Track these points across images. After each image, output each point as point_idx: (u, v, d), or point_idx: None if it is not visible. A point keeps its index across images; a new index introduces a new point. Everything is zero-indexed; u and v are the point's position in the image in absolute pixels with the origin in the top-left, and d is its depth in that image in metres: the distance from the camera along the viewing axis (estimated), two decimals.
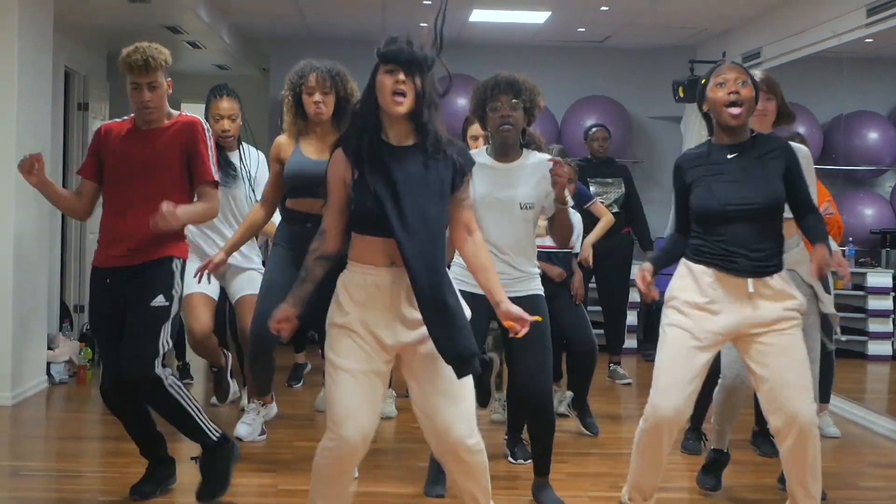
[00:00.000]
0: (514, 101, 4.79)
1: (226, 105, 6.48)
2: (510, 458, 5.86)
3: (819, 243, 4.32)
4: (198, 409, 4.85)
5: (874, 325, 10.32)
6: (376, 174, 3.65)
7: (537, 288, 4.90)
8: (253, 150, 6.68)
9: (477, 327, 4.19)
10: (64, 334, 8.44)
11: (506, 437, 5.98)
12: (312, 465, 3.77)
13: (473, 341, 3.68)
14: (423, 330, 3.65)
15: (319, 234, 3.77)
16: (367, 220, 3.66)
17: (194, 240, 6.13)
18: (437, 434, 3.75)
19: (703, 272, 4.34)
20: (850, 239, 11.02)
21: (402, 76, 3.68)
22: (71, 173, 9.51)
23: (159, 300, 4.75)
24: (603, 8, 9.88)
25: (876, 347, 10.30)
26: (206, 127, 5.00)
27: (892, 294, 10.44)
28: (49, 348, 7.97)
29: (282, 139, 5.66)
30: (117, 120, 5.11)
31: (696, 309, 4.32)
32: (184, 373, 8.15)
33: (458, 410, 3.73)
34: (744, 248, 4.28)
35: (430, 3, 9.96)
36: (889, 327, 10.41)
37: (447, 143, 3.76)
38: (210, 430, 4.86)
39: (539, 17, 10.51)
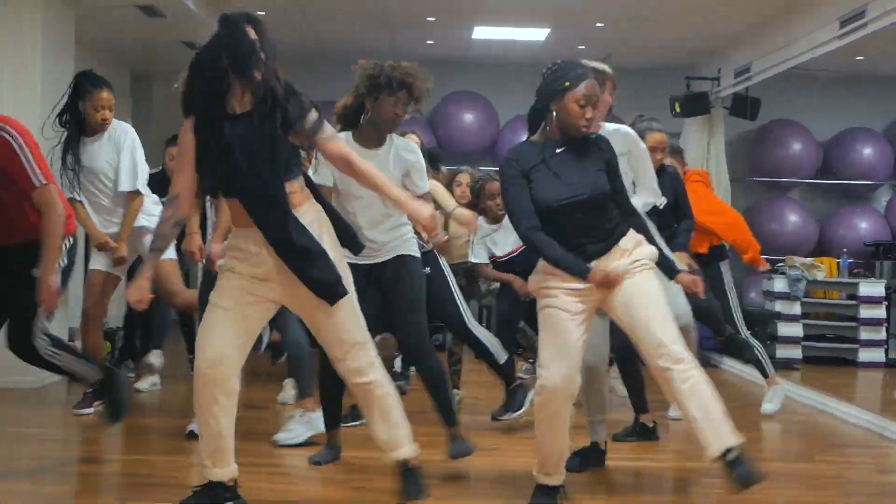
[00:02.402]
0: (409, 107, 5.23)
1: (106, 96, 6.83)
2: None
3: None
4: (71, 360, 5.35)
5: (865, 334, 10.62)
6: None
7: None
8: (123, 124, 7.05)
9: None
10: None
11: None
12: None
13: (333, 270, 4.15)
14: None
15: (171, 200, 4.22)
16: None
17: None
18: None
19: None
20: (845, 250, 11.36)
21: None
22: None
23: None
24: (598, 24, 10.29)
25: (867, 355, 10.61)
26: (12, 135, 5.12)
27: (885, 303, 10.73)
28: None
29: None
30: None
31: (561, 292, 4.50)
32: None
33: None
34: (586, 237, 4.51)
35: (433, 19, 10.37)
36: (881, 335, 10.70)
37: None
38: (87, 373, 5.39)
39: (539, 34, 10.92)
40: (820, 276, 10.78)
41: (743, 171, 12.44)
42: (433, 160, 9.33)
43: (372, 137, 5.20)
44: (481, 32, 10.98)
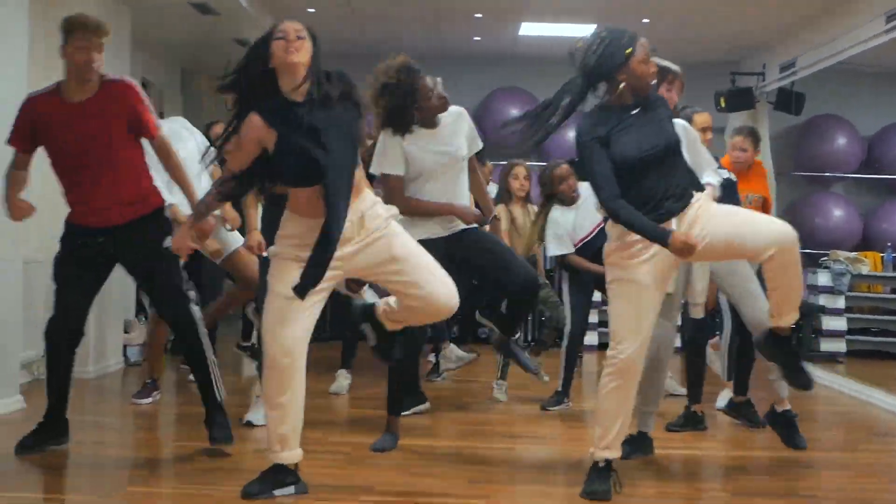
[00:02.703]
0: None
1: None
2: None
3: None
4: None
5: None
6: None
7: None
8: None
9: None
10: (140, 322, 9.03)
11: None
12: None
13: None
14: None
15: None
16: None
17: None
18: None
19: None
20: (889, 244, 11.39)
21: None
22: None
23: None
24: (645, 20, 10.37)
25: None
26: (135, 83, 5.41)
27: None
28: (125, 332, 8.61)
29: None
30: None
31: (635, 262, 4.61)
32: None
33: None
34: (666, 194, 4.61)
35: (480, 16, 10.48)
36: None
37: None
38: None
39: (585, 30, 10.98)
40: (864, 270, 10.82)
41: (787, 165, 12.47)
42: (479, 153, 9.46)
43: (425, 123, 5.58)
44: (528, 29, 11.09)
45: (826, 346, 10.48)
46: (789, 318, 4.86)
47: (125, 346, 8.56)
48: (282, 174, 4.40)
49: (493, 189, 8.11)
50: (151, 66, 10.90)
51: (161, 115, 11.03)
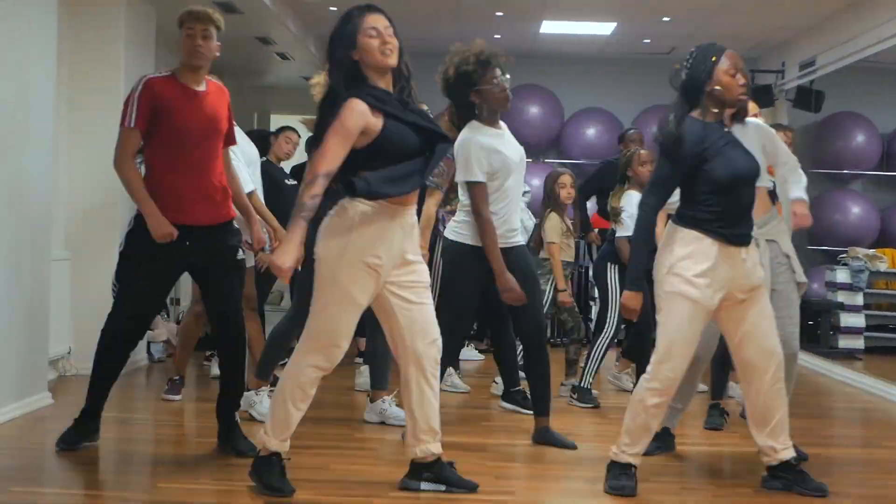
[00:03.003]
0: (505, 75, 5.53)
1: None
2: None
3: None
4: None
5: None
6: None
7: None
8: None
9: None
10: (163, 319, 9.11)
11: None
12: None
13: None
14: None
15: (326, 175, 4.19)
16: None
17: None
18: None
19: (710, 243, 4.64)
20: None
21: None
22: None
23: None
24: (665, 18, 10.41)
25: None
26: None
27: None
28: (149, 329, 8.67)
29: None
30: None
31: (702, 277, 4.62)
32: None
33: None
34: (744, 218, 4.74)
35: (501, 14, 10.52)
36: None
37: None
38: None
39: (605, 28, 11.05)
40: (882, 267, 10.83)
41: (806, 162, 12.37)
42: None
43: (494, 122, 5.55)
44: (549, 27, 11.12)
45: (844, 342, 10.50)
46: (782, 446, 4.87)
47: (149, 343, 8.63)
48: (388, 154, 4.32)
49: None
50: (172, 63, 10.89)
51: None
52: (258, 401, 6.17)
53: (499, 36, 11.61)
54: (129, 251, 5.34)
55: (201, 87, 5.29)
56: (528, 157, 8.26)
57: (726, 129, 4.74)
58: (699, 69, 4.65)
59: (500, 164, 5.42)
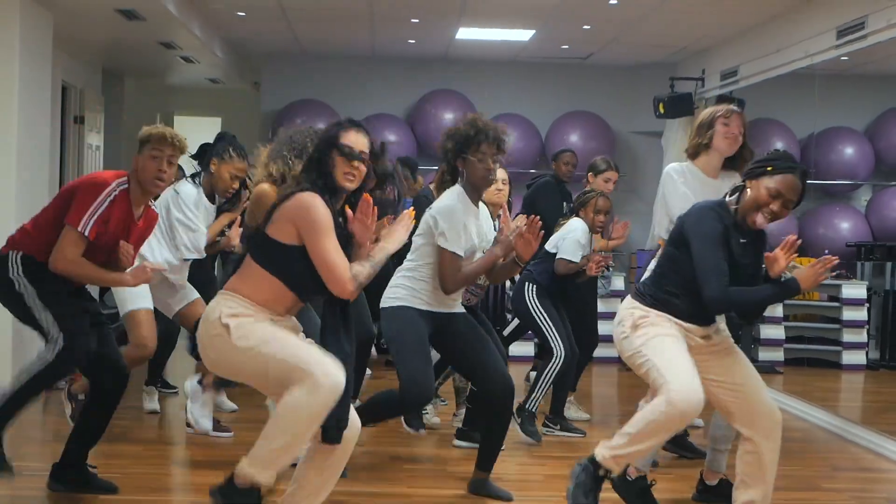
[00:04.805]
0: (497, 155, 5.26)
1: (241, 166, 6.60)
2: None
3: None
4: None
5: (849, 336, 10.63)
6: None
7: None
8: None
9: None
10: None
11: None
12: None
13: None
14: None
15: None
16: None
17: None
18: None
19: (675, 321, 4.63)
20: (826, 251, 11.29)
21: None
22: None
23: None
24: (585, 27, 10.20)
25: (850, 357, 10.61)
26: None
27: (867, 305, 10.75)
28: None
29: None
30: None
31: (672, 325, 4.60)
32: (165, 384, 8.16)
33: None
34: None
35: (417, 21, 10.24)
36: (863, 338, 10.71)
37: None
38: None
39: (524, 34, 10.80)
40: None
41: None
42: (413, 169, 9.19)
43: (475, 196, 5.36)
44: (466, 33, 10.85)
45: (764, 355, 10.43)
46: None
47: None
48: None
49: None
50: (71, 68, 10.47)
51: (82, 120, 10.73)
52: (200, 401, 6.10)
53: (412, 41, 11.33)
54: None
55: (139, 213, 5.17)
56: (437, 166, 8.03)
57: (742, 241, 4.63)
58: (755, 165, 4.72)
59: (466, 246, 5.26)
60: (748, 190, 4.58)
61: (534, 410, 6.82)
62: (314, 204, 4.03)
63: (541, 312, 6.91)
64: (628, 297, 4.78)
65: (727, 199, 4.68)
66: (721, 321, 4.82)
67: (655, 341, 4.55)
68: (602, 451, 4.59)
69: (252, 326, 4.03)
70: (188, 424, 6.44)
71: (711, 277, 4.45)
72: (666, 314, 4.59)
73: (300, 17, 10.22)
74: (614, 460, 4.58)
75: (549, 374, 6.81)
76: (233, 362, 4.09)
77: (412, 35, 11.05)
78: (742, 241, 4.58)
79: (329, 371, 3.92)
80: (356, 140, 4.19)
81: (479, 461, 5.48)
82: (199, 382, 6.09)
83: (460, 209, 5.22)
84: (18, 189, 7.64)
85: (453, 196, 5.29)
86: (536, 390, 6.81)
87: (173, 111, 14.66)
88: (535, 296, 6.95)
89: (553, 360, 6.81)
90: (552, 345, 6.84)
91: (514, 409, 6.62)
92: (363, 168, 4.18)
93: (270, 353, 3.98)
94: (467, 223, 5.22)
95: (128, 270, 5.18)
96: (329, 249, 4.02)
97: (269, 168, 5.72)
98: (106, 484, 5.28)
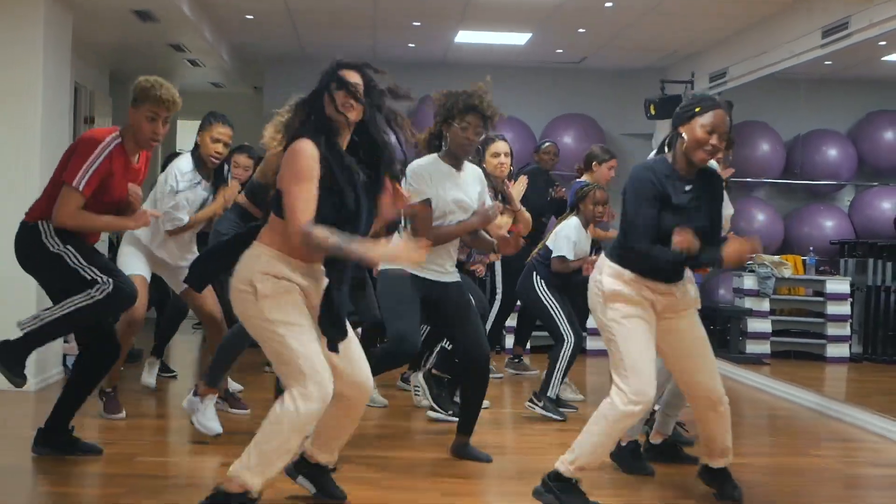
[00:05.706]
0: (480, 129, 5.56)
1: (223, 130, 6.82)
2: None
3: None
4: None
5: (832, 329, 10.97)
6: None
7: None
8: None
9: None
10: None
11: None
12: None
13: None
14: None
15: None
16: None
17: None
18: None
19: (637, 279, 4.76)
20: (811, 248, 11.67)
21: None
22: None
23: None
24: (580, 30, 10.52)
25: (834, 350, 10.96)
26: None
27: (850, 300, 11.08)
28: (65, 342, 8.48)
29: None
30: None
31: (640, 302, 4.74)
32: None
33: None
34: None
35: (418, 24, 10.51)
36: (847, 331, 11.07)
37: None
38: None
39: (520, 38, 11.11)
40: (787, 273, 11.06)
41: None
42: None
43: (453, 161, 5.59)
44: (465, 36, 11.16)
45: (752, 347, 10.73)
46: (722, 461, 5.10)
47: (64, 356, 8.43)
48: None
49: None
50: (82, 70, 10.76)
51: (92, 120, 11.01)
52: (202, 409, 6.09)
53: (412, 45, 11.61)
54: None
55: (135, 160, 5.37)
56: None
57: (686, 189, 4.75)
58: (684, 110, 4.74)
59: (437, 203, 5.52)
60: (683, 135, 4.67)
61: (554, 396, 7.15)
62: (301, 150, 4.21)
63: (550, 300, 7.30)
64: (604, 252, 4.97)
65: (665, 153, 4.87)
66: (690, 284, 4.92)
67: (627, 324, 4.72)
68: (561, 466, 4.78)
69: (284, 298, 4.24)
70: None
71: (633, 231, 4.66)
72: (633, 273, 4.72)
73: (305, 20, 10.49)
74: (575, 469, 4.77)
75: (563, 359, 7.15)
76: (252, 320, 4.28)
77: (412, 39, 11.33)
78: (686, 188, 4.72)
79: (321, 381, 4.18)
80: (350, 76, 4.35)
81: (460, 426, 5.80)
82: (195, 394, 6.14)
83: (430, 170, 5.53)
84: (41, 188, 7.80)
85: (428, 159, 5.60)
86: (554, 376, 7.15)
87: (177, 116, 14.83)
88: (543, 285, 7.34)
89: (564, 346, 7.16)
90: (562, 331, 7.20)
91: (533, 395, 7.11)
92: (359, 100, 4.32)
93: (285, 336, 4.20)
94: (440, 185, 5.51)
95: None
96: (297, 196, 4.14)
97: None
98: (90, 446, 5.52)
